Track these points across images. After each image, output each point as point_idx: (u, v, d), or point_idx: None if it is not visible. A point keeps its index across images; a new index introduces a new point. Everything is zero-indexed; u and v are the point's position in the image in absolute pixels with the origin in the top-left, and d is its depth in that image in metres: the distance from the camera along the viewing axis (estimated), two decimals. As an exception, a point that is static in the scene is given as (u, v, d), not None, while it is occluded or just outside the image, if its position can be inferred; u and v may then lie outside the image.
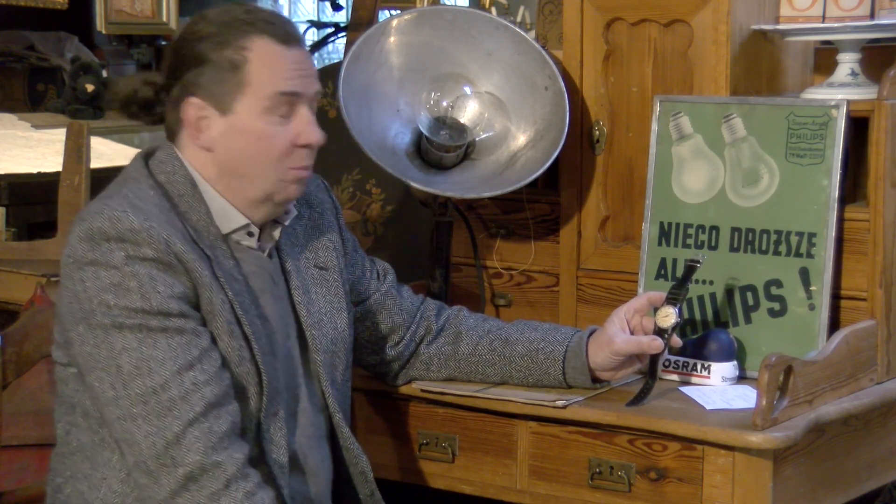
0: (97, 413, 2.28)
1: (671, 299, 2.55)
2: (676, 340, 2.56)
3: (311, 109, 2.37)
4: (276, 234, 2.43)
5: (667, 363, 2.65)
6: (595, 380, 2.60)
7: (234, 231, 2.37)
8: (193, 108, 2.33)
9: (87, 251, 2.22)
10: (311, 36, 8.13)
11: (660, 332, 2.53)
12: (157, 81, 2.39)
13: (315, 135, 2.37)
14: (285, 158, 2.35)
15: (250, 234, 2.39)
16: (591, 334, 2.59)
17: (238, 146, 2.34)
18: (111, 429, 2.24)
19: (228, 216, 2.36)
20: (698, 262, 2.60)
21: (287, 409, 2.38)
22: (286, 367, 2.39)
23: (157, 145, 2.41)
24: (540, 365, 2.60)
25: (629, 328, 2.56)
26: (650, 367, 2.55)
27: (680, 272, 2.75)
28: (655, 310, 2.56)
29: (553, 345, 2.60)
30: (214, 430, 2.20)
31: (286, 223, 2.44)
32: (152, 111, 2.40)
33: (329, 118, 3.23)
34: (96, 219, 2.23)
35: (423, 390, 2.68)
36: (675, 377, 2.67)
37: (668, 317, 2.53)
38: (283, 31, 2.35)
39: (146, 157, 2.39)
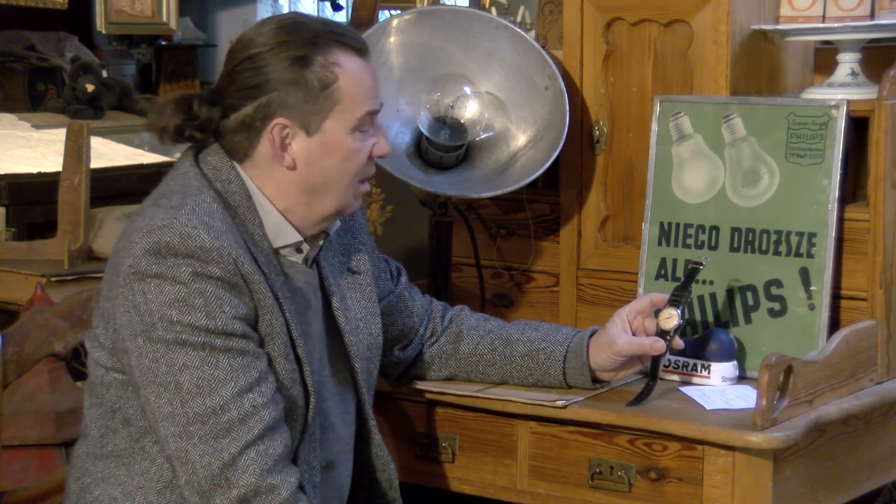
0: (141, 423, 2.26)
1: (674, 301, 2.55)
2: (678, 342, 2.56)
3: None
4: (320, 243, 2.41)
5: (667, 363, 2.64)
6: (595, 380, 2.59)
7: (284, 246, 2.35)
8: (279, 128, 2.28)
9: (152, 264, 2.18)
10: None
11: (662, 333, 2.53)
12: (211, 100, 2.31)
13: (387, 145, 2.39)
14: (361, 171, 2.35)
15: (299, 251, 2.36)
16: (591, 335, 2.59)
17: (326, 164, 2.31)
18: (164, 445, 2.21)
19: (282, 231, 2.33)
20: (701, 264, 2.60)
21: (320, 427, 2.37)
22: (318, 382, 2.38)
23: (204, 144, 2.34)
24: (540, 365, 2.60)
25: (631, 329, 2.55)
26: (651, 369, 2.55)
27: (680, 272, 2.75)
28: (657, 311, 2.55)
29: (554, 345, 2.59)
30: (270, 452, 2.19)
31: (332, 232, 2.43)
32: (206, 132, 2.32)
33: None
34: (165, 233, 2.18)
35: (423, 390, 2.68)
36: (675, 377, 2.67)
37: (671, 318, 2.53)
38: (359, 43, 2.33)
39: (195, 157, 2.33)
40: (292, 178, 2.31)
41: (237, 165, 2.32)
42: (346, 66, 2.29)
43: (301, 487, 2.24)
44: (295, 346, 2.29)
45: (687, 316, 2.58)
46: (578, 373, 2.58)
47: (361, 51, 2.33)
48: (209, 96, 2.31)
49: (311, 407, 2.31)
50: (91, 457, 2.33)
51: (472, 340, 2.64)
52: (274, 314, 2.25)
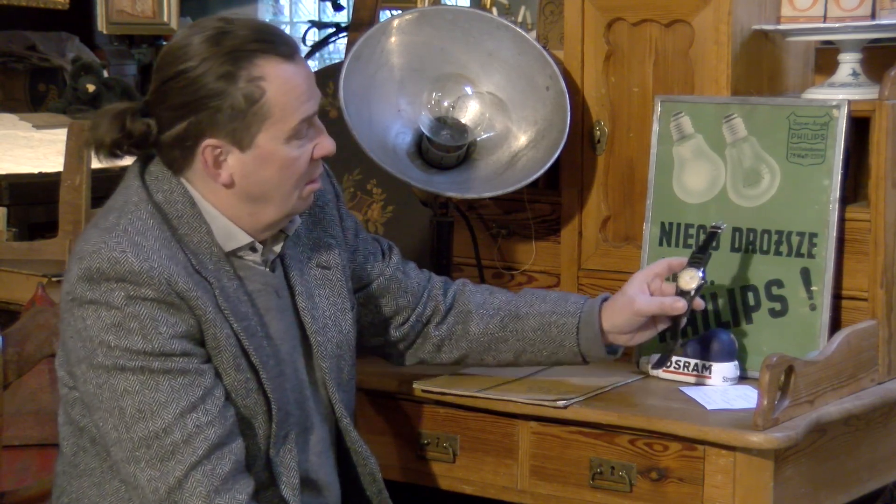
0: (105, 442, 2.25)
1: (694, 263, 2.54)
2: (699, 303, 2.54)
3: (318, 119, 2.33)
4: (278, 248, 2.37)
5: (668, 364, 2.65)
6: (609, 347, 2.58)
7: (237, 249, 2.32)
8: (210, 149, 2.24)
9: (86, 290, 2.18)
10: (312, 36, 8.13)
11: (682, 293, 2.52)
12: (145, 112, 2.26)
13: (330, 144, 2.33)
14: (304, 176, 2.31)
15: (253, 250, 2.34)
16: (602, 302, 2.57)
17: (263, 177, 2.27)
18: (116, 469, 2.22)
19: (231, 235, 2.30)
20: (720, 227, 2.60)
21: (297, 427, 2.35)
22: (293, 382, 2.36)
23: (152, 153, 2.32)
24: (553, 339, 2.57)
25: (649, 292, 2.54)
26: (672, 329, 2.54)
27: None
28: (675, 275, 2.54)
29: (565, 317, 2.57)
30: (217, 472, 2.18)
31: (290, 233, 2.39)
32: (144, 146, 2.29)
33: (330, 118, 3.22)
34: (95, 259, 2.17)
35: (423, 391, 2.68)
36: (676, 377, 2.67)
37: (693, 279, 2.52)
38: (284, 46, 2.26)
39: (142, 168, 2.31)
40: (231, 192, 2.28)
41: (180, 177, 2.29)
42: (273, 76, 2.23)
43: (255, 497, 2.23)
44: (248, 355, 2.26)
45: (709, 278, 2.57)
46: (591, 342, 2.56)
47: (289, 55, 2.26)
48: (143, 109, 2.27)
49: (273, 412, 2.29)
50: (67, 475, 2.34)
51: (482, 319, 2.61)
52: (218, 326, 2.23)
